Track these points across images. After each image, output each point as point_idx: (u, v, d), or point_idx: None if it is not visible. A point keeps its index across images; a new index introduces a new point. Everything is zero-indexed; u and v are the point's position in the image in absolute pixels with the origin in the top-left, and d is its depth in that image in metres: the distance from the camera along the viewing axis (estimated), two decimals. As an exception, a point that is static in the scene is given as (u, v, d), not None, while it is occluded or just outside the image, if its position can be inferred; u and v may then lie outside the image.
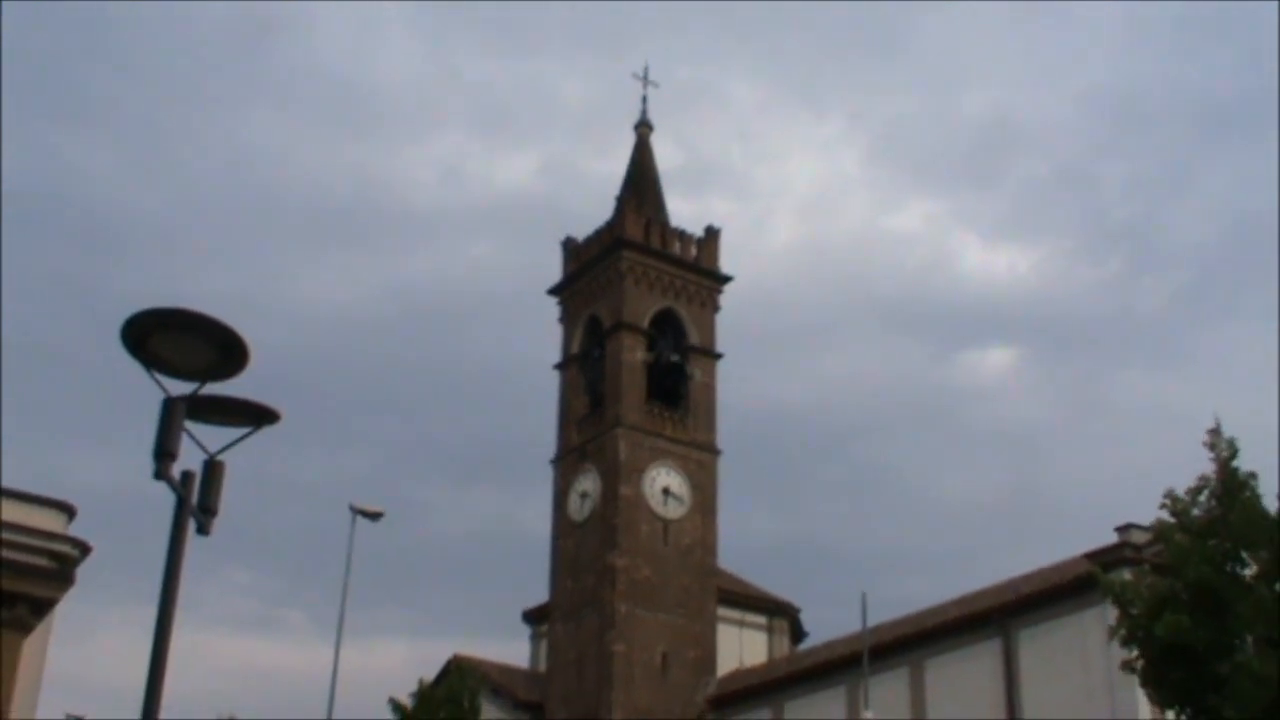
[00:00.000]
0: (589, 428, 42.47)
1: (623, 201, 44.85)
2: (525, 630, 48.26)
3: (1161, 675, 17.26)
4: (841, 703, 34.22)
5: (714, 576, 41.51)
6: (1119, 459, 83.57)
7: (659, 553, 40.12)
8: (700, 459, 42.06)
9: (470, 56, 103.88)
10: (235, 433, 9.06)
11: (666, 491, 40.90)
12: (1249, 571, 17.02)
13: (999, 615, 30.97)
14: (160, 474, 8.36)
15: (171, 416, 8.40)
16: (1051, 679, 29.13)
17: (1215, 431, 17.85)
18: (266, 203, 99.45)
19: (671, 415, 42.12)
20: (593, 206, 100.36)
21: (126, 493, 54.78)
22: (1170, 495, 17.89)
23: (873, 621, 29.91)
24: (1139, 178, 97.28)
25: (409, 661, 77.64)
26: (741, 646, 43.04)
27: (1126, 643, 17.80)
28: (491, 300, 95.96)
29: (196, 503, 8.62)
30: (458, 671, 33.35)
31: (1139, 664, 17.68)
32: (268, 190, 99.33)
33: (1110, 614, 19.48)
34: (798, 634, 46.27)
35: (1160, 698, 17.63)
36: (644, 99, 48.04)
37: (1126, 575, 21.37)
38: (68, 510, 15.04)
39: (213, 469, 8.85)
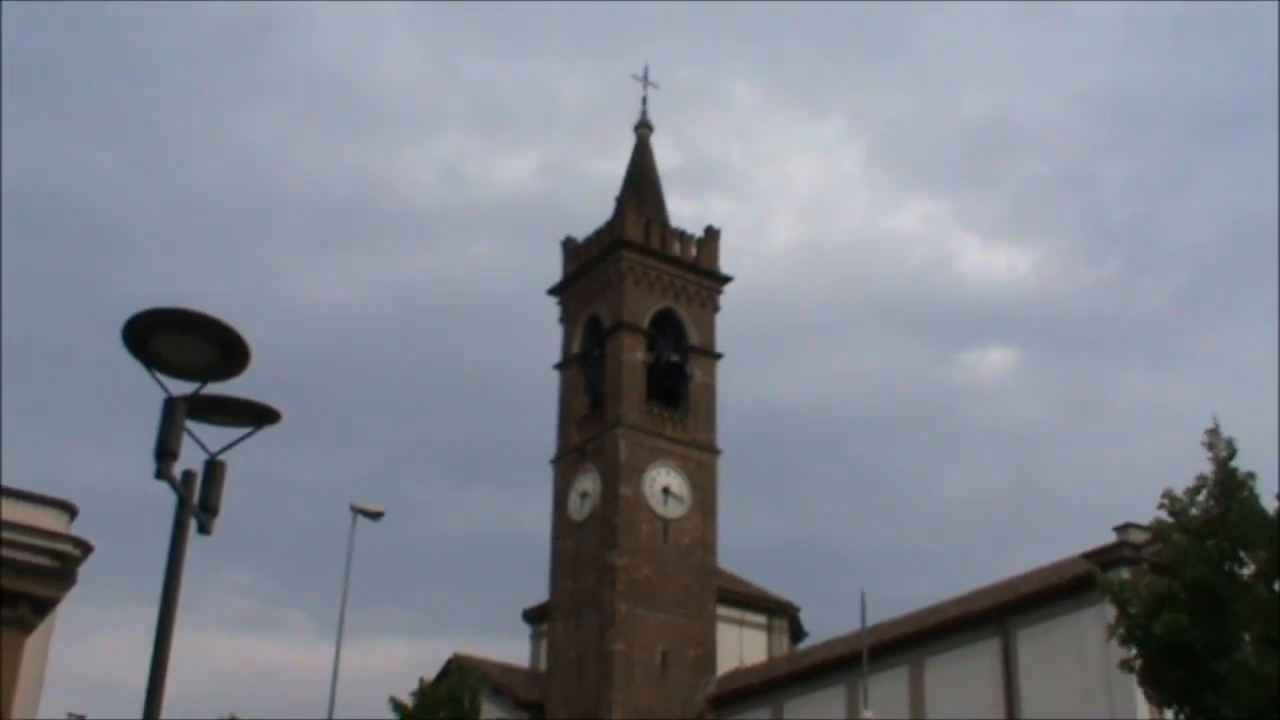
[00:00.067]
0: (589, 428, 42.52)
1: (623, 202, 44.90)
2: (525, 629, 48.38)
3: (1160, 674, 17.30)
4: (841, 702, 34.27)
5: (714, 576, 41.56)
6: (1118, 459, 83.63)
7: (659, 552, 40.17)
8: (700, 459, 42.12)
9: (470, 57, 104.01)
10: (236, 432, 9.09)
11: (666, 491, 40.95)
12: (1247, 571, 17.05)
13: (998, 614, 31.02)
14: (161, 473, 8.38)
15: (173, 416, 8.43)
16: (1050, 678, 29.18)
17: (1213, 431, 17.88)
18: (266, 203, 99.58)
19: (671, 415, 42.17)
20: (593, 207, 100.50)
21: (128, 492, 54.98)
22: (1168, 495, 17.93)
23: (872, 621, 29.96)
24: (1138, 178, 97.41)
25: (409, 661, 77.80)
26: (741, 646, 43.09)
27: (1125, 642, 17.84)
28: (491, 300, 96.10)
29: (198, 502, 8.65)
30: (458, 671, 33.38)
31: (1137, 663, 17.72)
32: (268, 190, 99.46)
33: (1109, 613, 19.53)
34: (797, 633, 46.33)
35: (1158, 696, 17.67)
36: (644, 100, 48.18)
37: (1125, 575, 21.41)
38: (69, 510, 15.07)
39: (214, 469, 8.88)
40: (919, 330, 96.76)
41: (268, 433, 9.20)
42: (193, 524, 8.60)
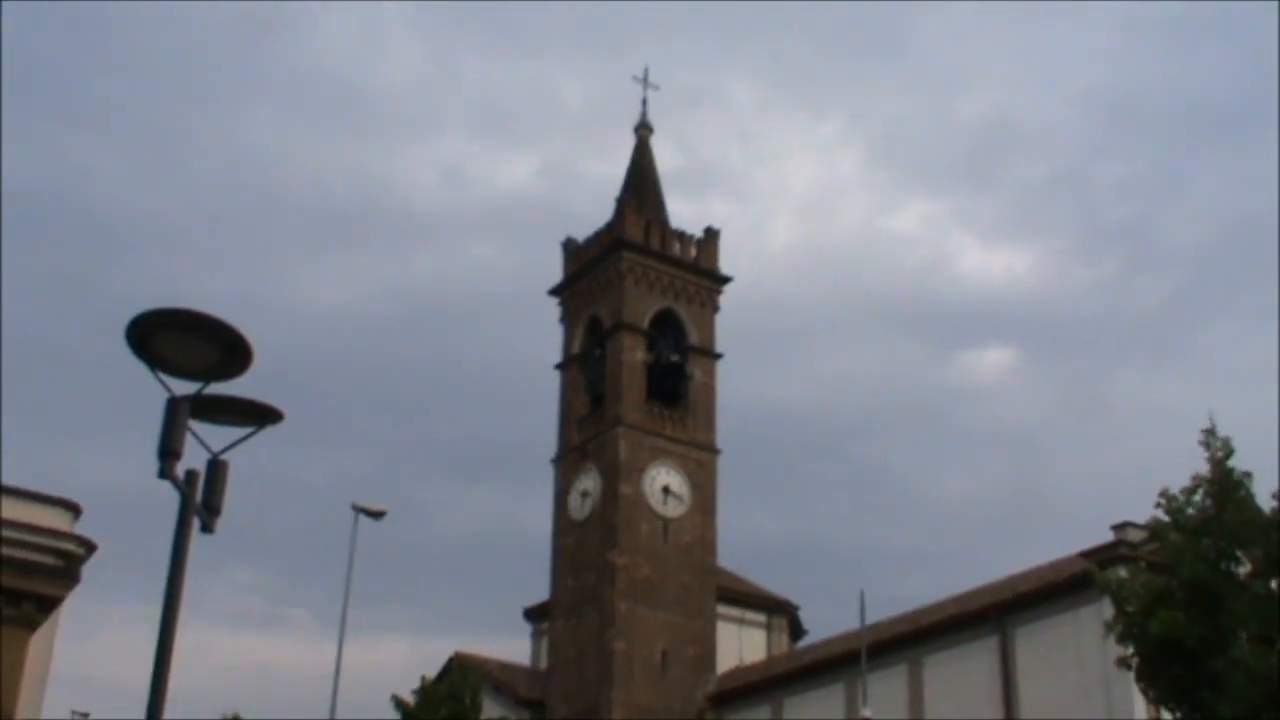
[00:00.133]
0: (589, 427, 42.61)
1: (623, 203, 44.97)
2: (526, 628, 48.47)
3: (1157, 672, 17.40)
4: (840, 700, 34.34)
5: (713, 575, 41.63)
6: (1116, 458, 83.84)
7: (659, 551, 40.26)
8: (700, 458, 42.20)
9: (471, 58, 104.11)
10: (239, 432, 9.15)
11: (666, 490, 41.04)
12: (1243, 569, 17.15)
13: (996, 613, 31.09)
14: (165, 473, 8.43)
15: (176, 416, 8.48)
16: (1048, 676, 29.26)
17: (1210, 431, 17.97)
18: (267, 203, 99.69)
19: (671, 415, 42.26)
20: (593, 208, 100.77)
21: (131, 492, 54.85)
22: (1165, 494, 18.03)
23: (871, 619, 30.01)
24: (1136, 178, 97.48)
25: (411, 659, 77.80)
26: (741, 644, 43.18)
27: (1122, 640, 17.92)
28: (492, 301, 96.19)
29: (201, 501, 8.71)
30: (459, 669, 33.45)
31: (1135, 661, 17.81)
32: (269, 191, 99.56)
33: (1106, 611, 19.64)
34: (797, 632, 46.42)
35: (1155, 694, 17.76)
36: (644, 101, 48.26)
37: (1122, 573, 21.41)
38: (73, 509, 15.18)
39: (217, 468, 8.94)
40: (918, 330, 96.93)
41: (270, 432, 9.27)
42: (196, 523, 8.66)
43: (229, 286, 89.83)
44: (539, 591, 44.99)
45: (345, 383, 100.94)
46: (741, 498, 79.87)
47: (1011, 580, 32.39)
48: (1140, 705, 23.34)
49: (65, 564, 14.37)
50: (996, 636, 30.95)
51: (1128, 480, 74.52)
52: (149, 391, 8.53)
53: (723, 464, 42.67)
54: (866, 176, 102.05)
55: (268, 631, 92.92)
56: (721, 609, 41.94)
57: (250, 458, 9.43)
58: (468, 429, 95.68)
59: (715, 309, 44.48)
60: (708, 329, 44.08)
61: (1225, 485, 17.44)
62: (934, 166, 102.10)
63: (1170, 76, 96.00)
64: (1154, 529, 18.39)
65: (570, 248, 46.25)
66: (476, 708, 30.29)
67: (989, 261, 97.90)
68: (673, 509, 40.98)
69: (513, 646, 52.13)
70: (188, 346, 8.42)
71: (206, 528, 8.77)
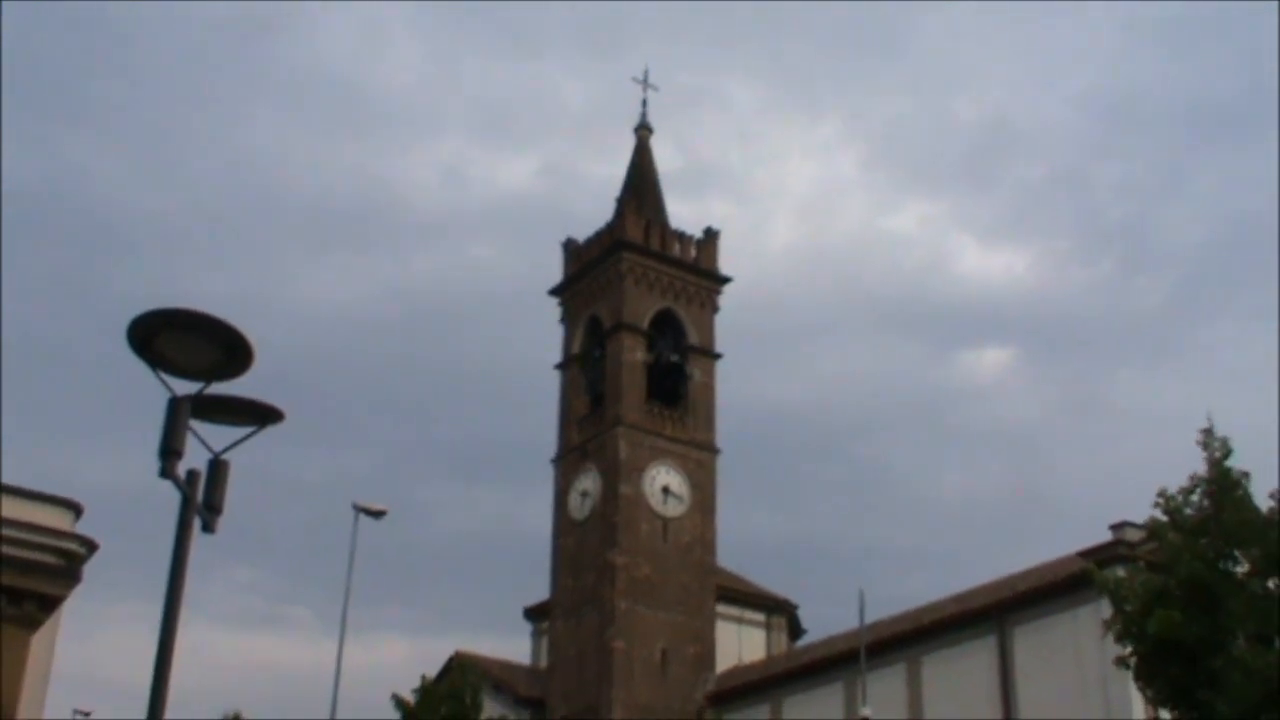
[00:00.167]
0: (589, 427, 42.65)
1: (623, 203, 45.02)
2: (526, 627, 48.51)
3: (1155, 671, 17.43)
4: (839, 699, 34.37)
5: (713, 574, 41.67)
6: (1115, 458, 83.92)
7: (659, 551, 40.30)
8: (700, 458, 42.24)
9: (471, 58, 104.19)
10: (240, 432, 9.19)
11: (666, 490, 41.07)
12: (1241, 569, 17.19)
13: (995, 612, 31.12)
14: (166, 472, 8.47)
15: (177, 416, 8.53)
16: (1046, 675, 29.29)
17: (1208, 431, 18.01)
18: (268, 203, 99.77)
19: (671, 415, 42.30)
20: (593, 208, 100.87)
21: (132, 491, 54.93)
22: (1163, 494, 18.06)
23: (870, 619, 30.05)
24: (1134, 178, 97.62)
25: (411, 658, 78.00)
26: (740, 643, 43.22)
27: (1121, 639, 17.94)
28: (492, 301, 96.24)
29: (202, 501, 8.75)
30: (459, 668, 33.50)
31: (1133, 660, 17.82)
32: (269, 191, 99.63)
33: (1105, 611, 19.67)
34: (796, 631, 46.47)
35: (1154, 693, 17.79)
36: (644, 102, 48.31)
37: (1121, 573, 21.46)
38: (74, 508, 15.23)
39: (218, 468, 8.98)
40: (917, 330, 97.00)
41: (271, 432, 9.31)
42: (197, 522, 8.70)
43: (229, 286, 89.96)
44: (539, 591, 45.10)
45: (345, 383, 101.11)
46: (741, 497, 79.99)
47: (1010, 580, 32.41)
48: (1139, 704, 23.37)
49: (66, 563, 14.42)
50: (995, 636, 30.98)
51: (1126, 480, 74.69)
52: (150, 391, 8.59)
53: (722, 464, 42.77)
54: (866, 177, 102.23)
55: (269, 631, 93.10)
56: (721, 608, 41.97)
57: (251, 457, 9.48)
58: (468, 429, 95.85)
59: (715, 309, 44.53)
60: (707, 329, 44.12)
61: (1223, 485, 17.48)
62: (933, 167, 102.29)
63: (1170, 76, 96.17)
64: (1152, 528, 18.41)
65: (570, 248, 46.29)
66: (476, 707, 30.34)
67: (988, 262, 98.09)
68: (672, 509, 41.02)
69: (513, 646, 52.28)
70: (189, 346, 8.46)
71: (207, 527, 8.80)
